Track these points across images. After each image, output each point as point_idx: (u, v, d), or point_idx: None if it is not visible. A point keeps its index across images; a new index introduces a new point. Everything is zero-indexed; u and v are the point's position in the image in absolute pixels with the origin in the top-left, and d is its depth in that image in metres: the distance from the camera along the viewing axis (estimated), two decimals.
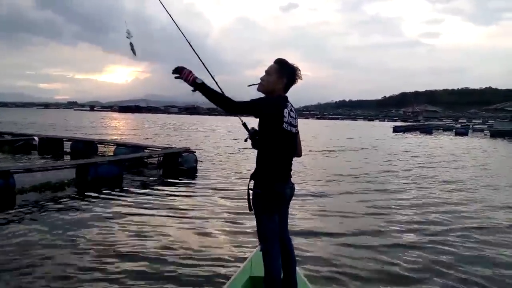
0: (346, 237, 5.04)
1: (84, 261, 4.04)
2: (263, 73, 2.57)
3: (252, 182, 2.51)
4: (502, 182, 9.69)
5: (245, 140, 2.70)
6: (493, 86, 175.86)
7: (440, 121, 68.47)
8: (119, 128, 32.37)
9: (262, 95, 2.54)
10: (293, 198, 2.66)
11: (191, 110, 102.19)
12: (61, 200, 6.70)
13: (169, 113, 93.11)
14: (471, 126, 44.59)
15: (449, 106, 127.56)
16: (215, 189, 7.88)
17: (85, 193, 7.19)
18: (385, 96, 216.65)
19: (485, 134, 33.81)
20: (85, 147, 13.10)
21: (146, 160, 10.78)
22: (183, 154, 10.55)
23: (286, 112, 2.45)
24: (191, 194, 7.51)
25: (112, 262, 4.02)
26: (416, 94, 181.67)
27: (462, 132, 34.84)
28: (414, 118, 78.22)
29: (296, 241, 4.32)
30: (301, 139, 2.74)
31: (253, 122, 2.67)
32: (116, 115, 71.10)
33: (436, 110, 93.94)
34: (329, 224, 5.64)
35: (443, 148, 19.78)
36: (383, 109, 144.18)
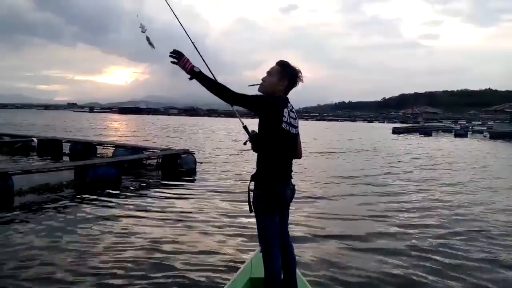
0: (347, 240, 5.00)
1: (81, 263, 4.00)
2: (263, 74, 2.56)
3: (253, 183, 2.51)
4: (504, 184, 9.65)
5: (245, 143, 2.69)
6: (493, 88, 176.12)
7: (439, 122, 68.54)
8: (119, 129, 32.35)
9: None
10: (294, 200, 2.64)
11: (191, 111, 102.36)
12: (60, 202, 6.67)
13: (169, 114, 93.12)
14: (470, 127, 44.56)
15: (449, 108, 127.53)
16: (214, 191, 7.84)
17: (84, 195, 7.15)
18: (384, 98, 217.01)
19: (485, 136, 33.81)
20: (84, 149, 13.06)
21: (145, 162, 10.75)
22: (182, 155, 10.53)
23: (285, 112, 2.44)
24: (190, 195, 7.47)
25: (110, 264, 3.98)
26: (416, 95, 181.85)
27: (461, 134, 34.86)
28: (413, 119, 78.24)
29: (296, 243, 4.28)
30: (301, 141, 2.72)
31: (253, 126, 2.64)
32: (115, 116, 71.07)
33: (436, 111, 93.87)
34: (330, 227, 5.60)
35: (443, 150, 19.75)
36: (382, 110, 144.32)
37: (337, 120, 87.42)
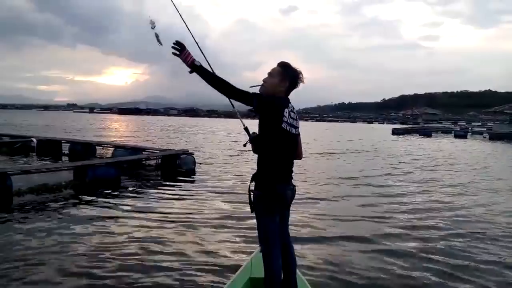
0: (348, 241, 4.97)
1: (79, 264, 3.97)
2: (263, 75, 2.56)
3: (253, 183, 2.51)
4: (505, 185, 9.62)
5: (244, 145, 2.70)
6: (493, 89, 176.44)
7: (439, 123, 68.60)
8: (119, 130, 32.33)
9: None
10: (294, 200, 2.62)
11: (191, 112, 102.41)
12: (58, 202, 6.64)
13: (168, 115, 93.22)
14: (470, 128, 44.60)
15: (449, 109, 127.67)
16: (214, 192, 7.81)
17: (83, 195, 7.13)
18: (384, 99, 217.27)
19: (484, 137, 33.81)
20: (84, 149, 13.03)
21: (144, 162, 10.72)
22: (181, 156, 10.52)
23: (286, 112, 2.44)
24: (189, 196, 7.44)
25: (109, 265, 3.95)
26: (416, 96, 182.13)
27: (461, 135, 34.91)
28: (413, 120, 78.27)
29: (297, 244, 4.25)
30: (301, 141, 2.70)
31: (254, 127, 2.62)
32: (115, 117, 71.07)
33: (436, 112, 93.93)
34: (330, 228, 5.58)
35: (443, 151, 19.74)
36: (382, 111, 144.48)
37: (337, 121, 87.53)
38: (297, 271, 2.77)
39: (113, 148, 12.67)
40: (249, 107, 2.41)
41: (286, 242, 2.64)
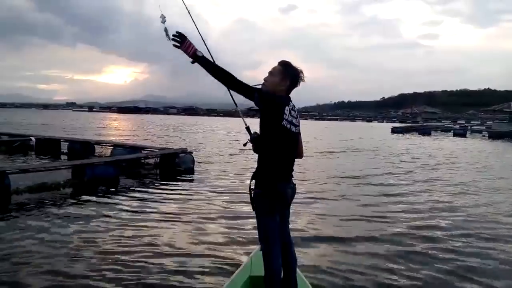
0: (348, 241, 4.94)
1: (76, 264, 3.94)
2: (263, 74, 2.55)
3: (254, 181, 2.49)
4: (507, 184, 9.59)
5: (244, 144, 2.68)
6: (492, 88, 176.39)
7: (438, 122, 68.61)
8: (118, 128, 32.28)
9: None
10: (294, 200, 2.60)
11: (190, 111, 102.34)
12: (56, 201, 6.61)
13: (168, 114, 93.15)
14: (469, 127, 44.61)
15: (448, 107, 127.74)
16: (212, 191, 7.77)
17: (81, 194, 7.08)
18: (383, 97, 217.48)
19: (483, 136, 33.81)
20: (82, 148, 12.99)
21: (143, 161, 10.67)
22: (180, 154, 10.48)
23: (286, 110, 2.43)
24: (188, 195, 7.40)
25: (108, 265, 3.91)
26: (415, 95, 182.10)
27: (460, 133, 34.95)
28: (412, 119, 78.26)
29: (297, 244, 4.21)
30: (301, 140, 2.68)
31: (255, 125, 2.59)
32: (115, 115, 71.01)
33: (435, 111, 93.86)
34: (330, 227, 5.55)
35: (444, 150, 19.72)
36: (382, 110, 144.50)
37: (337, 119, 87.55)
38: (297, 269, 2.75)
39: (112, 147, 12.62)
40: (249, 106, 2.38)
41: (287, 241, 2.63)
